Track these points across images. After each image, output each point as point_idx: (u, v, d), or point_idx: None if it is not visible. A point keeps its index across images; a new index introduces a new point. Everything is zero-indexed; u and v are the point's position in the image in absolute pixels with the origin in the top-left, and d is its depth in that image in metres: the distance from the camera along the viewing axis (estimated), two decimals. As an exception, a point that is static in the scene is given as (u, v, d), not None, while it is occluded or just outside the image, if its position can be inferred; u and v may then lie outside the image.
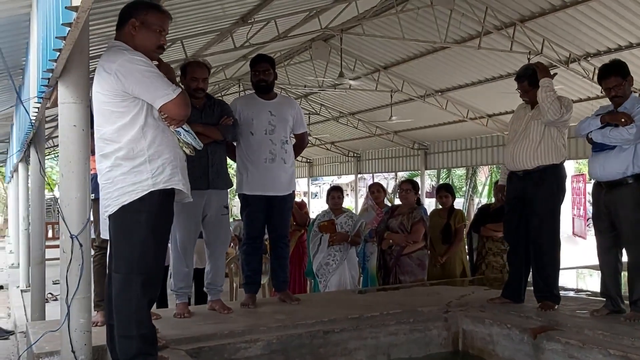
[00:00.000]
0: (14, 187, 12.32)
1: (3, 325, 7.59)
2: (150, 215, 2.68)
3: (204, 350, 3.33)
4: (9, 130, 10.43)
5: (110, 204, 2.72)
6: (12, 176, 12.45)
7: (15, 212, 12.01)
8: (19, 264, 9.84)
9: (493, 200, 6.78)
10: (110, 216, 2.76)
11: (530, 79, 4.26)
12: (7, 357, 5.85)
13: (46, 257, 5.81)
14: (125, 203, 2.67)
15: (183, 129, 2.83)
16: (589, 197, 9.62)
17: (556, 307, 4.18)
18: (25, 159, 7.72)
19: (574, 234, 17.75)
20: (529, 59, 9.90)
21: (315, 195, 34.78)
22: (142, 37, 2.77)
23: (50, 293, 7.42)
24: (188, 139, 2.87)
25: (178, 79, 4.21)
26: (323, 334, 3.73)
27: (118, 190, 2.68)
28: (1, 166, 20.28)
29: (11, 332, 7.14)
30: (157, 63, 2.86)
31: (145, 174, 2.67)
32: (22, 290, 8.31)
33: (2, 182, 23.97)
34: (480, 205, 9.57)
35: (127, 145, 2.68)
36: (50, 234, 13.17)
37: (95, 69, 2.87)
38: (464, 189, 26.12)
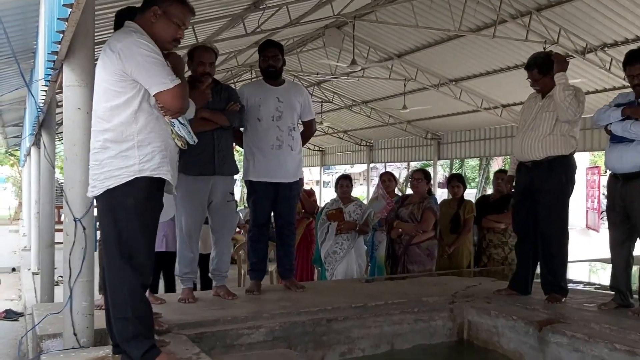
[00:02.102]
0: (27, 171, 12.44)
1: (14, 307, 7.70)
2: (136, 200, 2.66)
3: (206, 336, 3.33)
4: (22, 114, 10.51)
5: (96, 185, 2.70)
6: (26, 160, 12.57)
7: (28, 195, 12.13)
8: (31, 247, 9.95)
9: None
10: (96, 198, 2.74)
11: (540, 67, 4.18)
12: (15, 338, 5.94)
13: (56, 240, 5.84)
14: (111, 187, 2.65)
15: (178, 120, 2.77)
16: (604, 190, 9.50)
17: (563, 299, 4.13)
18: (37, 142, 7.77)
19: (587, 226, 17.61)
20: (544, 49, 9.74)
21: (328, 184, 34.77)
22: (161, 26, 2.74)
23: (60, 276, 7.49)
24: (182, 132, 2.79)
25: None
26: (326, 322, 3.71)
27: (104, 174, 2.66)
28: (16, 150, 20.50)
29: (21, 314, 7.24)
30: (165, 52, 2.83)
31: (133, 159, 2.64)
32: (33, 273, 8.40)
33: (17, 165, 24.24)
34: (477, 197, 9.47)
35: (117, 127, 2.65)
36: (62, 218, 13.30)
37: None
38: (477, 179, 25.97)
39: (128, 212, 2.65)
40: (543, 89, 4.20)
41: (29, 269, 8.92)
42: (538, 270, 4.37)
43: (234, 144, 4.39)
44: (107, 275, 2.70)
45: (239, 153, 9.73)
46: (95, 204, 3.00)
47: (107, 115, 2.66)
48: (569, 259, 4.31)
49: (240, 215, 9.23)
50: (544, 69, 4.15)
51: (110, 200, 2.66)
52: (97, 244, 4.16)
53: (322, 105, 18.54)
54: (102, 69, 2.68)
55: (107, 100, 2.66)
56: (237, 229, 8.80)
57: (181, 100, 2.70)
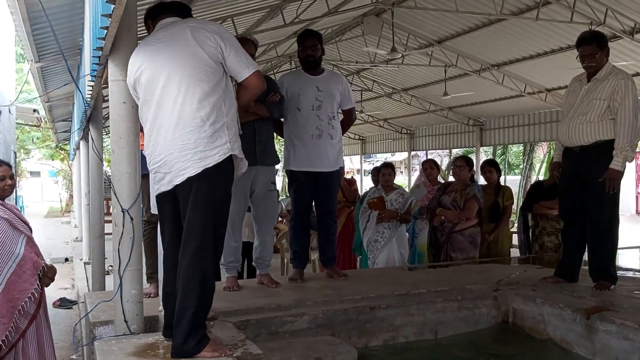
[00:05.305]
0: (77, 164, 12.85)
1: (67, 295, 8.01)
2: (227, 181, 2.76)
3: (251, 323, 3.40)
4: (71, 109, 10.85)
5: (189, 166, 2.69)
6: (75, 154, 12.98)
7: (78, 188, 12.53)
8: (82, 238, 10.29)
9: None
10: (190, 179, 2.70)
11: (599, 40, 4.04)
12: (70, 325, 6.19)
13: (106, 231, 6.03)
14: (209, 166, 2.67)
15: None
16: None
17: (612, 287, 4.03)
18: (85, 137, 8.01)
19: (637, 212, 17.05)
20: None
21: (368, 173, 34.69)
22: None
23: (110, 265, 7.74)
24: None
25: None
26: (369, 310, 3.73)
27: (200, 153, 2.68)
28: (66, 144, 21.14)
29: (74, 302, 7.52)
30: None
31: (224, 137, 2.73)
32: (85, 263, 8.71)
33: (67, 159, 25.00)
34: (532, 183, 9.24)
35: (212, 107, 2.72)
36: (111, 209, 13.70)
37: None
38: (521, 166, 25.43)
39: (219, 195, 2.73)
40: (599, 65, 4.04)
41: (81, 259, 9.25)
42: (586, 257, 4.27)
43: (274, 134, 4.44)
44: (184, 264, 2.67)
45: (279, 143, 9.80)
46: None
47: (203, 97, 2.73)
48: (619, 245, 4.20)
49: (282, 204, 9.31)
50: (602, 42, 4.03)
51: (206, 180, 2.68)
52: (143, 234, 4.29)
53: (361, 94, 18.42)
54: (195, 53, 2.72)
55: (202, 85, 2.73)
56: (280, 218, 8.89)
57: (263, 81, 2.87)
